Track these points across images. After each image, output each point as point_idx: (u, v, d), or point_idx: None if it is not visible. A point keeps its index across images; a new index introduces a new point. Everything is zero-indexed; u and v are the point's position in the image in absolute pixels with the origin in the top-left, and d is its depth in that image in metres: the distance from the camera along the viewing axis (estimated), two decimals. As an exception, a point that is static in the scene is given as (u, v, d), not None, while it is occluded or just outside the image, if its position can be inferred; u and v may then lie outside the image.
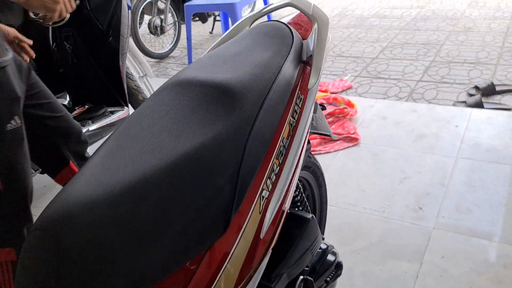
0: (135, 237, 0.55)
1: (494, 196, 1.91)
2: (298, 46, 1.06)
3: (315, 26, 1.10)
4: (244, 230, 0.74)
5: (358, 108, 2.72)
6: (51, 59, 2.41)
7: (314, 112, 1.31)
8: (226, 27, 4.27)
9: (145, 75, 2.80)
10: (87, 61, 2.30)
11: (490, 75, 3.19)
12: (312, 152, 2.24)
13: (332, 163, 2.29)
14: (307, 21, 1.18)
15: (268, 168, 0.81)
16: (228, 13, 3.54)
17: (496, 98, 2.84)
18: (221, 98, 0.74)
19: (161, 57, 4.37)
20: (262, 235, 0.78)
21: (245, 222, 0.74)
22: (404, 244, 1.72)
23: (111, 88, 2.35)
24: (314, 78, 1.01)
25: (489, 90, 2.87)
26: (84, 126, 2.20)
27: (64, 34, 2.27)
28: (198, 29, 5.23)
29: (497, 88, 2.89)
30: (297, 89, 0.99)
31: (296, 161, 0.90)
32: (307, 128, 1.00)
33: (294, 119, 0.93)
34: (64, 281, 0.51)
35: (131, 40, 2.65)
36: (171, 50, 4.47)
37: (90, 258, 0.51)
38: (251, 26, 1.16)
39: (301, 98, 0.99)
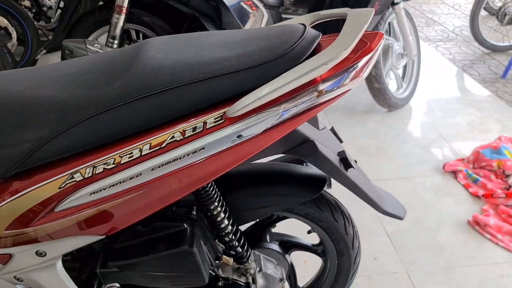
0: None
1: None
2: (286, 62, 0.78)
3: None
4: (30, 190, 0.78)
5: None
6: None
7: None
8: None
9: (406, 54, 2.55)
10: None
11: None
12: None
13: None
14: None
15: (100, 158, 0.77)
16: None
17: None
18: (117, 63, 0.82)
19: (493, 49, 3.69)
20: (57, 209, 0.80)
21: (33, 185, 0.78)
22: None
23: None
24: (242, 104, 0.74)
25: None
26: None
27: None
28: None
29: None
30: (219, 109, 0.77)
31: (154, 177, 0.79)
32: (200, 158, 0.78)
33: (183, 137, 0.77)
34: None
35: (403, 13, 2.42)
36: (510, 47, 3.67)
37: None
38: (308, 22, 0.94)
39: (215, 121, 0.76)
